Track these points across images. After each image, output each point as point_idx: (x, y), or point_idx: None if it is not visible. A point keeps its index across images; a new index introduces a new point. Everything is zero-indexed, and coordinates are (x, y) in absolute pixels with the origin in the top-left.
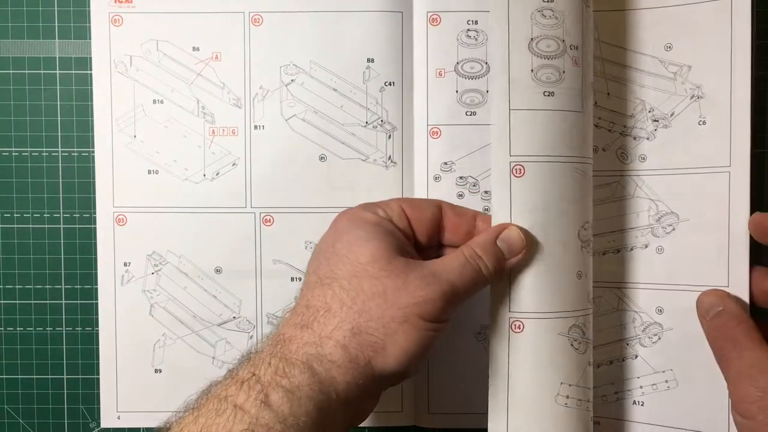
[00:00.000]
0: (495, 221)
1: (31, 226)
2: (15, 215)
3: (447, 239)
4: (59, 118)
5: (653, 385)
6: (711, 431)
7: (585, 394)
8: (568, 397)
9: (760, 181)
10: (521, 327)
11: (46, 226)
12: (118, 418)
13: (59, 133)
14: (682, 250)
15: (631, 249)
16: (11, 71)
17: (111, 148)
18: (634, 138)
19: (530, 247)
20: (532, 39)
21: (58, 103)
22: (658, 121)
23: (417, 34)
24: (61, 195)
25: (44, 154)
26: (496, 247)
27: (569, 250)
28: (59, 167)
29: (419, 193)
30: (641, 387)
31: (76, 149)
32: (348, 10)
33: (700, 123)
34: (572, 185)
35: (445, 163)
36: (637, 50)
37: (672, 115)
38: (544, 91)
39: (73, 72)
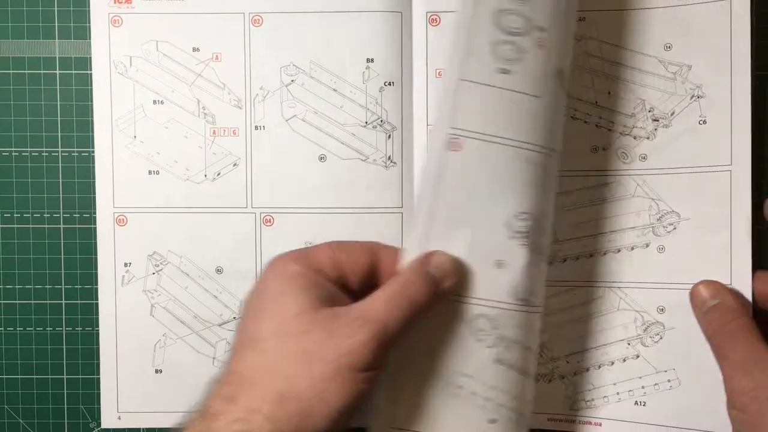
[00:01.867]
0: (423, 196)
1: (31, 226)
2: (15, 215)
3: (384, 282)
4: (59, 118)
5: (655, 384)
6: (715, 429)
7: (484, 390)
8: (461, 387)
9: (760, 180)
10: None
11: (46, 226)
12: (119, 418)
13: (59, 133)
14: (684, 248)
15: (632, 248)
16: (11, 71)
17: (111, 149)
18: (635, 137)
19: (456, 225)
20: (499, 11)
21: (58, 103)
22: (658, 120)
23: (416, 35)
24: (61, 195)
25: (44, 154)
26: (425, 273)
27: (489, 237)
28: (59, 167)
29: None
30: (643, 387)
31: (76, 149)
32: (348, 10)
33: (701, 122)
34: (511, 171)
35: None
36: (637, 50)
37: (672, 114)
38: (500, 68)
39: (73, 72)
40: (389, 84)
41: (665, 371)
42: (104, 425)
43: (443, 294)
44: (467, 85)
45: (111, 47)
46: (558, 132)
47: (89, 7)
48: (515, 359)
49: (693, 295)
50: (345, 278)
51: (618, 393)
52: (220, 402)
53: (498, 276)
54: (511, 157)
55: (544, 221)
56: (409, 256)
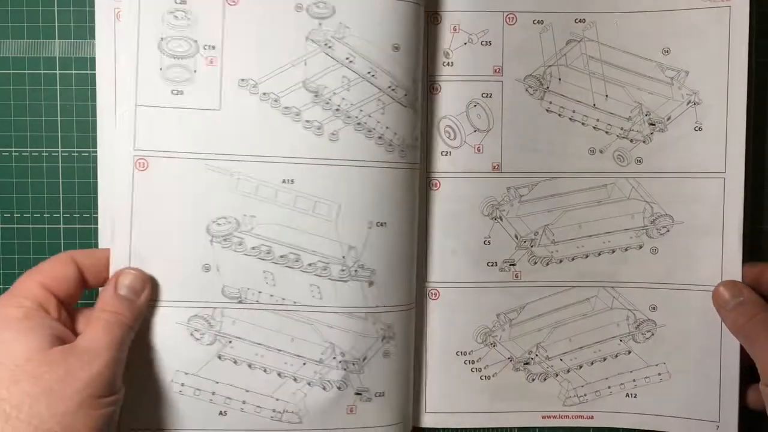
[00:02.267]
0: (119, 215)
1: (31, 226)
2: (15, 215)
3: (95, 286)
4: (59, 118)
5: (646, 378)
6: (703, 418)
7: (209, 386)
8: (183, 385)
9: (758, 183)
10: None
11: (46, 226)
12: None
13: (59, 133)
14: (676, 251)
15: (626, 249)
16: (11, 71)
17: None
18: (631, 140)
19: (157, 238)
20: (162, 39)
21: (58, 103)
22: (654, 124)
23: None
24: (61, 195)
25: (44, 154)
26: (121, 297)
27: (192, 244)
28: (59, 167)
29: None
30: (634, 380)
31: (76, 149)
32: None
33: (696, 129)
34: (201, 181)
35: None
36: (635, 53)
37: (668, 119)
38: (173, 90)
39: (73, 72)
40: None
41: (656, 365)
42: None
43: (143, 309)
44: (145, 110)
45: (116, 42)
46: (272, 137)
47: (93, 5)
48: (242, 354)
49: (716, 295)
50: (60, 298)
51: (609, 387)
52: None
53: (207, 278)
54: (199, 169)
55: (254, 223)
56: (116, 264)
